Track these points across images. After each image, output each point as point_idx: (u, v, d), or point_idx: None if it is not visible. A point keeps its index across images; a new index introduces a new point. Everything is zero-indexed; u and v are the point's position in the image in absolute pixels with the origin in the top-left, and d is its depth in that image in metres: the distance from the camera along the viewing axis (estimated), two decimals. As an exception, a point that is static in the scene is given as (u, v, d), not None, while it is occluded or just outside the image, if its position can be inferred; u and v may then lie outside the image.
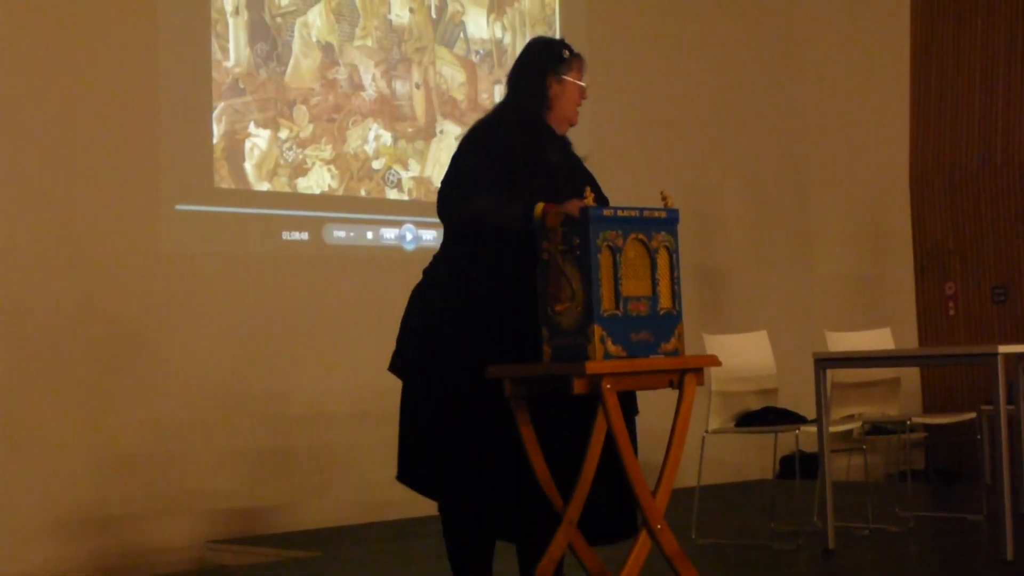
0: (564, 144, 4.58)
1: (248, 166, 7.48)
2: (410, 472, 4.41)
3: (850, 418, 6.72)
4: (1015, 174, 10.40)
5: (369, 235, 7.91)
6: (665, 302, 4.11)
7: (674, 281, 4.15)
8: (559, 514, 4.12)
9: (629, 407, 4.24)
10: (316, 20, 7.79)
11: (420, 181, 8.07)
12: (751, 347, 6.85)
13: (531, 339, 4.18)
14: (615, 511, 4.38)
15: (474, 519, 4.33)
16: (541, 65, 4.53)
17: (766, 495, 7.46)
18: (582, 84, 4.53)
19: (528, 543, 4.34)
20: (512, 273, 4.27)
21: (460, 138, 4.61)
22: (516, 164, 4.36)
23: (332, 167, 7.79)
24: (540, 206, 4.16)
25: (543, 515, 4.19)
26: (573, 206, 4.07)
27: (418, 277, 4.53)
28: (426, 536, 4.60)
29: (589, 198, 4.04)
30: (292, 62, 7.67)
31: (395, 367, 4.48)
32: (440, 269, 4.47)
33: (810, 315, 9.76)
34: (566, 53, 4.52)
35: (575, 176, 4.42)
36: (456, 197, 4.36)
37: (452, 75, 8.38)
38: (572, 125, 4.56)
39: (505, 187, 4.28)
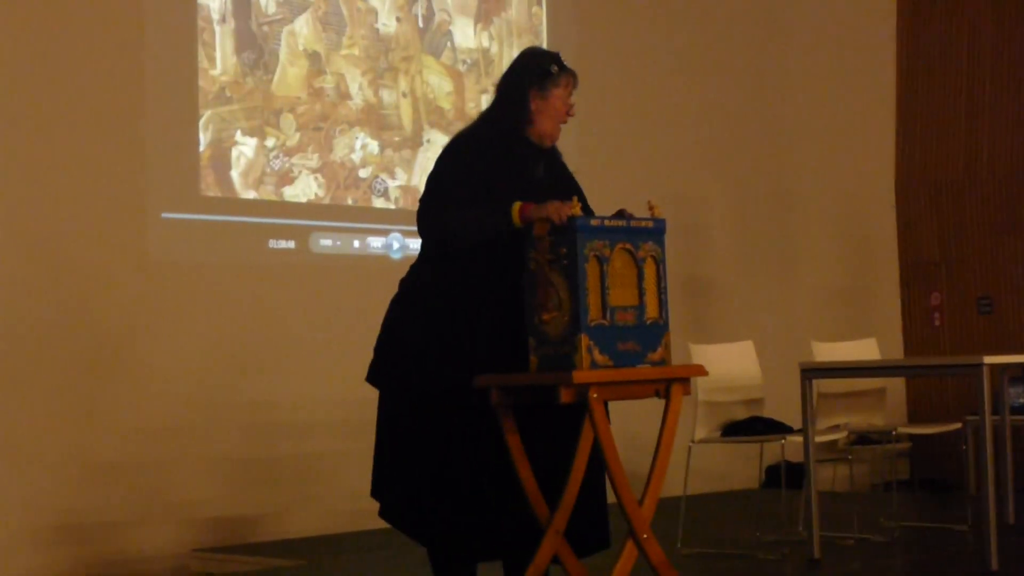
0: (550, 158, 4.53)
1: (235, 174, 7.47)
2: (390, 507, 4.41)
3: (836, 428, 6.73)
4: (1000, 185, 10.42)
5: (356, 244, 7.91)
6: (652, 312, 4.12)
7: (661, 291, 4.15)
8: (541, 526, 4.11)
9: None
10: (303, 29, 7.79)
11: (407, 190, 8.07)
12: (737, 357, 6.86)
13: (505, 349, 4.17)
14: (593, 522, 4.37)
15: (457, 546, 4.30)
16: (525, 78, 4.44)
17: (752, 505, 7.46)
18: (567, 101, 4.44)
19: (513, 558, 4.32)
20: (489, 282, 4.26)
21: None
22: (495, 178, 4.31)
23: (319, 175, 7.78)
24: (517, 205, 4.15)
25: (526, 528, 4.18)
26: (553, 207, 4.06)
27: (405, 285, 4.53)
28: (411, 546, 4.59)
29: (576, 207, 4.04)
30: (279, 70, 7.67)
31: (372, 377, 4.47)
32: (416, 279, 4.46)
33: (796, 325, 9.76)
34: (554, 68, 4.42)
35: (558, 190, 4.33)
36: (434, 214, 4.33)
37: (439, 84, 8.38)
38: (553, 141, 4.46)
39: (484, 202, 4.25)
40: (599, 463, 4.17)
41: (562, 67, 4.44)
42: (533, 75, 4.44)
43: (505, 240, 4.17)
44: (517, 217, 4.14)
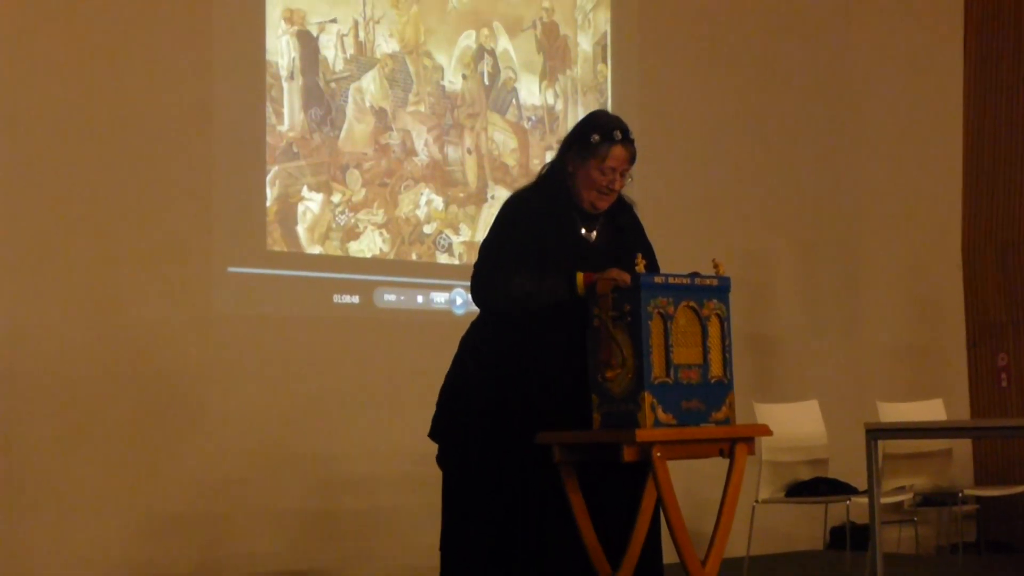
0: (612, 218, 4.44)
1: (300, 229, 7.52)
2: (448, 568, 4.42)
3: (901, 489, 6.67)
4: (1069, 245, 10.34)
5: (419, 299, 7.93)
6: (716, 370, 4.10)
7: (725, 349, 4.14)
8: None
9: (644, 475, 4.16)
10: (370, 86, 7.86)
11: (471, 246, 8.09)
12: (802, 416, 6.82)
13: (568, 406, 4.17)
14: None
15: None
16: (570, 141, 4.39)
17: (816, 566, 7.39)
18: (607, 173, 4.29)
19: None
20: (551, 339, 4.25)
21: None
22: (546, 243, 4.27)
23: (384, 231, 7.83)
24: (581, 276, 4.13)
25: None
26: (616, 273, 4.05)
27: (469, 341, 4.53)
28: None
29: (640, 265, 4.03)
30: (346, 127, 7.73)
31: (434, 433, 4.48)
32: (477, 336, 4.45)
33: (861, 385, 9.69)
34: (594, 137, 4.27)
35: (614, 254, 4.30)
36: (489, 284, 4.31)
37: (504, 141, 8.42)
38: (596, 209, 4.35)
39: (537, 268, 4.22)
40: (655, 520, 4.16)
41: (606, 137, 4.28)
42: (575, 139, 4.37)
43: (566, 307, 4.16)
44: (582, 289, 4.11)
